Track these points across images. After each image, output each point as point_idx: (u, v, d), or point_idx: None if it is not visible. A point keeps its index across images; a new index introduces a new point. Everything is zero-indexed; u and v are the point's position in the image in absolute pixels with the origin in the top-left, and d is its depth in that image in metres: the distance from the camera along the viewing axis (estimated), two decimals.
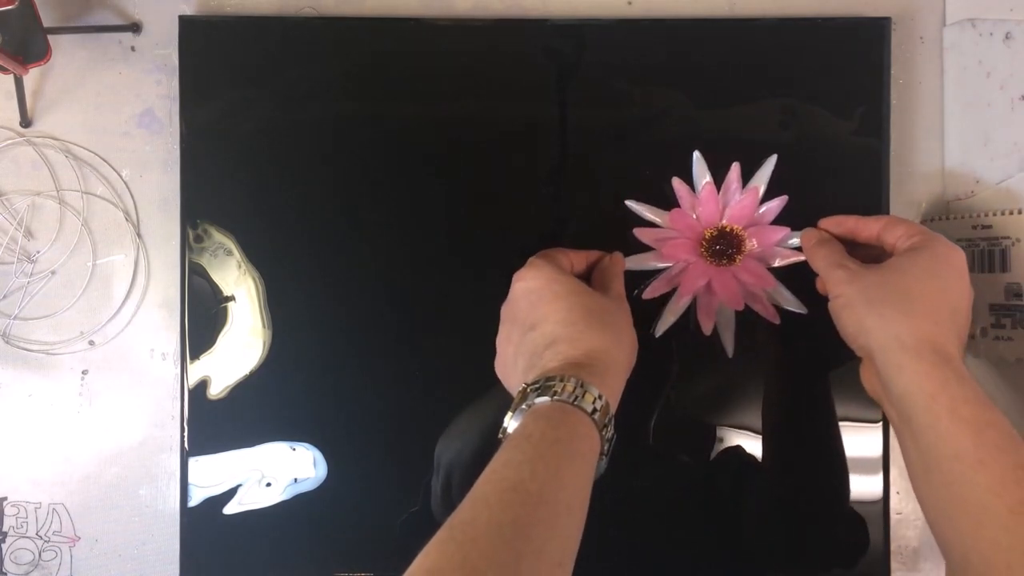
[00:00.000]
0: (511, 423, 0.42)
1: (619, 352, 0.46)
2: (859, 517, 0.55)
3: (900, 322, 0.44)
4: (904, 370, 0.43)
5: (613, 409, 0.44)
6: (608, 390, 0.43)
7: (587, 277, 0.53)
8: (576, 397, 0.41)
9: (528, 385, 0.43)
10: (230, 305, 0.55)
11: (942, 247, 0.47)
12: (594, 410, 0.42)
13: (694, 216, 0.55)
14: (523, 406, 0.42)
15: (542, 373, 0.44)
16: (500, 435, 0.43)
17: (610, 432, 0.43)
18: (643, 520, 0.55)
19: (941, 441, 0.41)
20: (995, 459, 0.40)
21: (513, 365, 0.48)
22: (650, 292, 0.55)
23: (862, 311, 0.45)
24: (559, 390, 0.42)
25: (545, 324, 0.46)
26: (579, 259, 0.52)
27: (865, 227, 0.51)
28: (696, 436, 0.56)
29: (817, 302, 0.55)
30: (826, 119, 0.55)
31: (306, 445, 0.55)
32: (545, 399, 0.42)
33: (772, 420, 0.55)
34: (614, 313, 0.48)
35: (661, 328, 0.55)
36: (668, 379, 0.55)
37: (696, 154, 0.55)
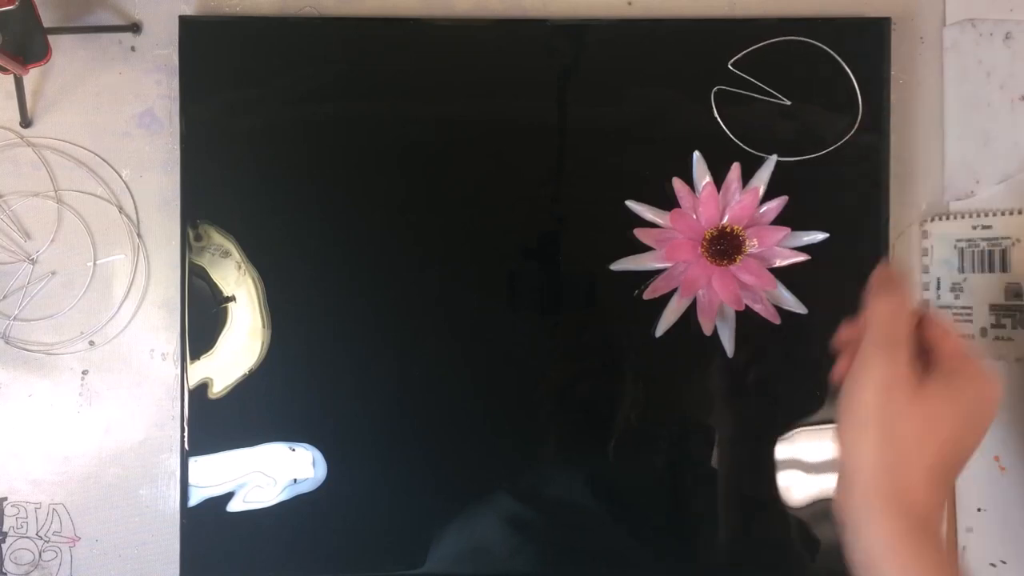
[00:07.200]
0: None
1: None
2: None
3: (890, 464, 0.39)
4: (873, 525, 0.38)
5: None
6: None
7: None
8: None
9: None
10: (230, 305, 0.55)
11: (982, 384, 0.40)
12: None
13: (694, 216, 0.55)
14: None
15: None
16: None
17: None
18: (641, 520, 0.55)
19: None
20: None
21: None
22: (650, 292, 0.55)
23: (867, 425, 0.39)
24: None
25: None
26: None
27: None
28: (696, 436, 0.56)
29: (817, 302, 0.55)
30: (826, 119, 0.55)
31: (306, 445, 0.55)
32: None
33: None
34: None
35: (661, 328, 0.55)
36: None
37: (696, 154, 0.55)
